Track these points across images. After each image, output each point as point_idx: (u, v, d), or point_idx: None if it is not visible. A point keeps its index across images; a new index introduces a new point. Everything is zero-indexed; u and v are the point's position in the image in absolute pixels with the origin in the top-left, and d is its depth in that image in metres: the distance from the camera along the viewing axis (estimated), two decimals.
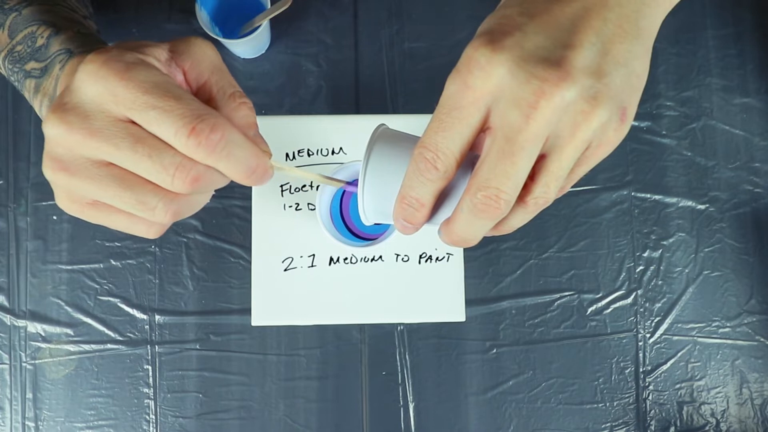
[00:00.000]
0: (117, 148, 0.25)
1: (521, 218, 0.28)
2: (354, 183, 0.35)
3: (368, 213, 0.31)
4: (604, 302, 0.63)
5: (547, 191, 0.27)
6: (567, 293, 0.63)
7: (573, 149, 0.25)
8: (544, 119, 0.24)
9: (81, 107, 0.25)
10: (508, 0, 0.27)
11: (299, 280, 0.55)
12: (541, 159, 0.26)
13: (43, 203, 0.61)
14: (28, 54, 0.40)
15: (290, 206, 0.56)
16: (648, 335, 0.63)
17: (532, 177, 0.26)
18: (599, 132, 0.25)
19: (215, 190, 0.30)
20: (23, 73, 0.40)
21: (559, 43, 0.24)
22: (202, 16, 0.57)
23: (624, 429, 0.62)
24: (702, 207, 0.64)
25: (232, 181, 0.28)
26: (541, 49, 0.24)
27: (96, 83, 0.25)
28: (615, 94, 0.25)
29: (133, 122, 0.25)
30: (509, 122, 0.24)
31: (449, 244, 0.29)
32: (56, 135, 0.25)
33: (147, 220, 0.28)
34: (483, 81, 0.24)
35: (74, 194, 0.27)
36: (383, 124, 0.32)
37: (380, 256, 0.55)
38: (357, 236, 0.54)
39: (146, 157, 0.25)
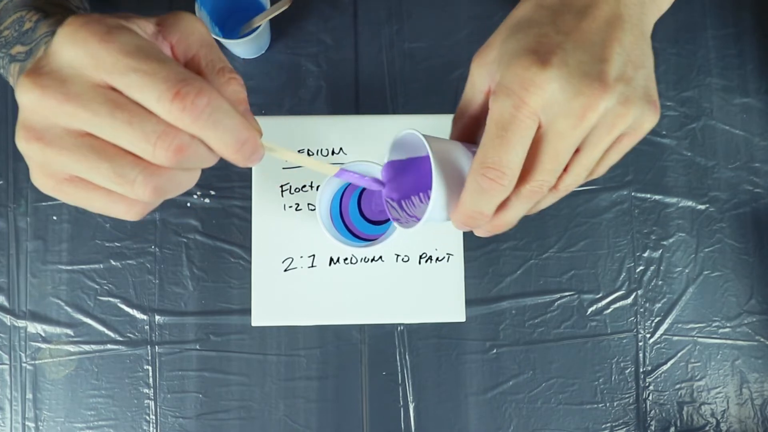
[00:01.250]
0: (95, 114, 0.23)
1: (551, 200, 0.33)
2: (345, 172, 0.35)
3: (432, 220, 0.33)
4: (604, 302, 0.63)
5: (578, 179, 0.31)
6: (567, 293, 0.63)
7: (605, 144, 0.29)
8: (589, 126, 0.28)
9: (58, 71, 0.24)
10: (535, 15, 0.30)
11: (299, 280, 0.55)
12: (575, 152, 0.30)
13: (43, 203, 0.61)
14: (15, 38, 0.39)
15: (290, 206, 0.56)
16: (648, 335, 0.63)
17: (566, 167, 0.30)
18: (633, 125, 0.29)
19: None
20: (9, 57, 0.39)
21: (595, 57, 0.28)
22: (202, 16, 0.57)
23: (624, 429, 0.62)
24: (702, 207, 0.64)
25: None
26: (583, 63, 0.28)
27: (74, 46, 0.23)
28: (642, 93, 0.29)
29: (114, 89, 0.24)
30: (558, 130, 0.28)
31: (490, 233, 0.33)
32: (30, 100, 0.24)
33: (127, 198, 0.26)
34: (538, 96, 0.28)
35: (49, 168, 0.25)
36: (411, 131, 0.34)
37: (380, 257, 0.55)
38: (357, 236, 0.54)
39: (126, 124, 0.23)
